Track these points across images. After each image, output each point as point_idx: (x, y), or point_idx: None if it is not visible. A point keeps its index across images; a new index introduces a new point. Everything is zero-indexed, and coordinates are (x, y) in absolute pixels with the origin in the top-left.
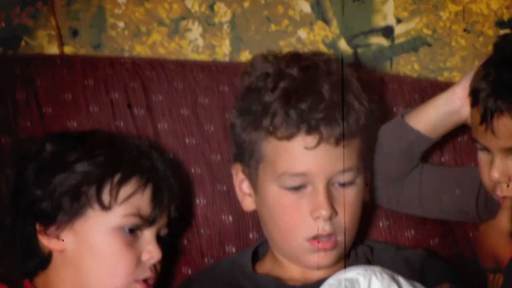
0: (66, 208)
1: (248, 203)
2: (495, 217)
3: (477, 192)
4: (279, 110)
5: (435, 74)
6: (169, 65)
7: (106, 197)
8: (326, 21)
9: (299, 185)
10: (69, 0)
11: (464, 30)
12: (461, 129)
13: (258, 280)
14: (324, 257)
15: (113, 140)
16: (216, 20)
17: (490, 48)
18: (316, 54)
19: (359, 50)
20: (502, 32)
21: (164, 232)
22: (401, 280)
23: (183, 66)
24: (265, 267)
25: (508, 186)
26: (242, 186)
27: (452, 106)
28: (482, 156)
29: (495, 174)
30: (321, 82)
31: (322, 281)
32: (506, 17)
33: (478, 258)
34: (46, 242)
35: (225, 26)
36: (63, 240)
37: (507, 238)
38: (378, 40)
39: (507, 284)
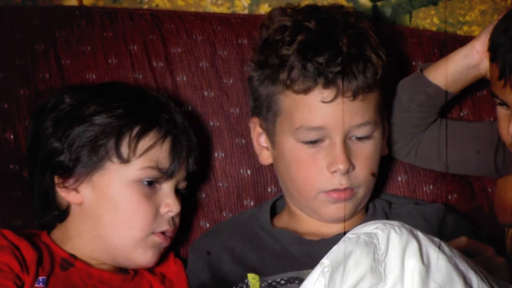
0: (84, 161)
1: (265, 157)
2: None
3: (496, 147)
4: (296, 63)
5: (454, 28)
6: (188, 17)
7: (124, 149)
8: None
9: (316, 139)
10: None
11: None
12: (480, 84)
13: (276, 234)
14: (340, 208)
15: (132, 92)
16: None
17: (509, 2)
18: (335, 7)
19: (379, 4)
20: None
21: (182, 185)
22: (420, 235)
23: (202, 18)
24: (283, 221)
25: None
26: (260, 140)
27: (471, 60)
28: (501, 111)
29: None
30: (338, 35)
31: (339, 235)
32: None
33: (496, 213)
34: (65, 194)
35: None
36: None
37: None
38: None
39: None
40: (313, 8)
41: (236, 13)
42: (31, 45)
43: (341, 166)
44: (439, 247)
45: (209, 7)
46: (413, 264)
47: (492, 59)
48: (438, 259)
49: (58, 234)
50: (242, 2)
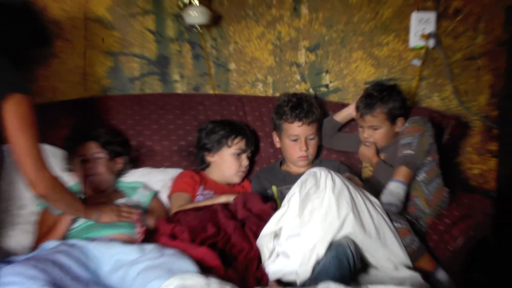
0: (215, 147)
1: (278, 145)
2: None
3: (358, 141)
4: (288, 113)
5: (343, 101)
6: (251, 98)
7: (229, 143)
8: (305, 82)
9: (295, 139)
10: (217, 71)
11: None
12: (353, 120)
13: (282, 172)
14: (304, 162)
15: (232, 122)
16: (267, 81)
17: (362, 91)
18: (303, 94)
19: (317, 92)
20: (367, 85)
21: (249, 155)
22: (332, 172)
23: (256, 98)
24: (284, 167)
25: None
26: (276, 139)
27: (349, 111)
28: (360, 129)
29: (365, 135)
30: (304, 103)
31: (304, 172)
32: (369, 80)
33: (360, 161)
34: (208, 158)
35: (270, 84)
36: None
37: (374, 152)
38: (324, 89)
39: (375, 171)
40: (295, 93)
41: (268, 96)
42: (194, 107)
43: (304, 149)
44: (338, 176)
45: (258, 93)
46: (329, 183)
47: (357, 110)
48: (338, 181)
49: (207, 171)
50: (269, 92)
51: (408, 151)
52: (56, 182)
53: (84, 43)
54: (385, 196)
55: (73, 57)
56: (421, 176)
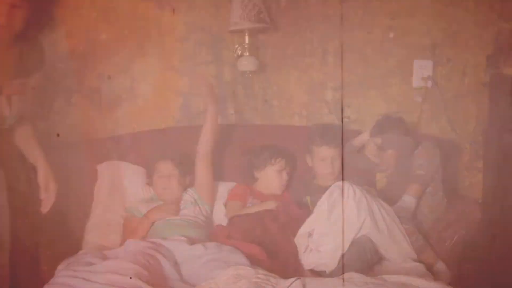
0: (262, 165)
1: (310, 164)
2: None
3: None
4: (318, 139)
5: (361, 129)
6: (290, 127)
7: (273, 162)
8: (332, 114)
9: (323, 160)
10: (264, 106)
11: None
12: None
13: (314, 185)
14: (331, 177)
15: (275, 146)
16: (303, 114)
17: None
18: (332, 124)
19: (341, 123)
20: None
21: (288, 171)
22: (354, 185)
23: (294, 127)
24: (316, 181)
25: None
26: (308, 160)
27: (365, 137)
28: None
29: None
30: (330, 131)
31: (330, 186)
32: (381, 112)
33: (375, 175)
34: (256, 174)
35: (305, 116)
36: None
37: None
38: (346, 119)
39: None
40: (322, 124)
41: (303, 125)
42: None
43: (330, 167)
44: (358, 188)
45: (295, 123)
46: (351, 193)
47: (371, 135)
48: (358, 191)
49: (255, 184)
50: (303, 122)
51: (421, 172)
52: None
53: (161, 86)
54: (400, 206)
55: (153, 97)
56: (429, 189)
